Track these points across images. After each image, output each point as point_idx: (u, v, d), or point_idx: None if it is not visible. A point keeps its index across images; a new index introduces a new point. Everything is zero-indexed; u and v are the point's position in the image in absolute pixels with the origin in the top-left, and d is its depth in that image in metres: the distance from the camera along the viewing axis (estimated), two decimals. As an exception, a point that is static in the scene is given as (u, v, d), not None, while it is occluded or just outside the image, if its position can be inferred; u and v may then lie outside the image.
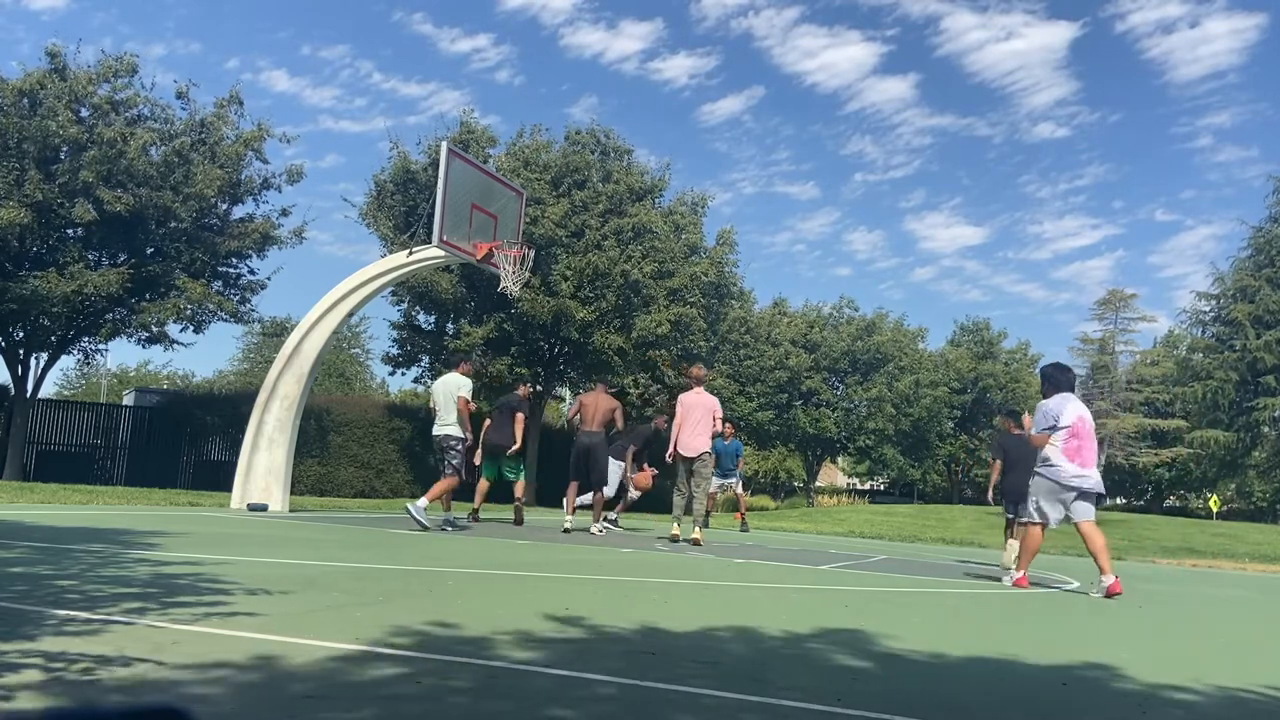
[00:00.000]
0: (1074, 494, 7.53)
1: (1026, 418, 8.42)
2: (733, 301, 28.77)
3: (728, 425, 14.95)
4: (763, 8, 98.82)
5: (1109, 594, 7.32)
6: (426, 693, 2.65)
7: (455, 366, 11.07)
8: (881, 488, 60.71)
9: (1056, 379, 7.94)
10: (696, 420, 10.63)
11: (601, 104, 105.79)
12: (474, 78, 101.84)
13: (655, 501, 22.77)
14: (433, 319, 24.37)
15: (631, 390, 26.85)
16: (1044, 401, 7.82)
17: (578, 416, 11.64)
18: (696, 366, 11.47)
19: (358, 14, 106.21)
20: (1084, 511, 7.53)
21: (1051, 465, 7.56)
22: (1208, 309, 35.98)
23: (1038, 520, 7.66)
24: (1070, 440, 7.53)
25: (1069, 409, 7.61)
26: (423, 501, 10.31)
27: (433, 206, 12.63)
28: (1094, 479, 7.53)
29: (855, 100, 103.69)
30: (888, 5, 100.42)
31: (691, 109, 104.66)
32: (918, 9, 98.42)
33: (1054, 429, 7.56)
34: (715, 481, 14.92)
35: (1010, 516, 9.80)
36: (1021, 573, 7.90)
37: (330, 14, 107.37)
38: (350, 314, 13.96)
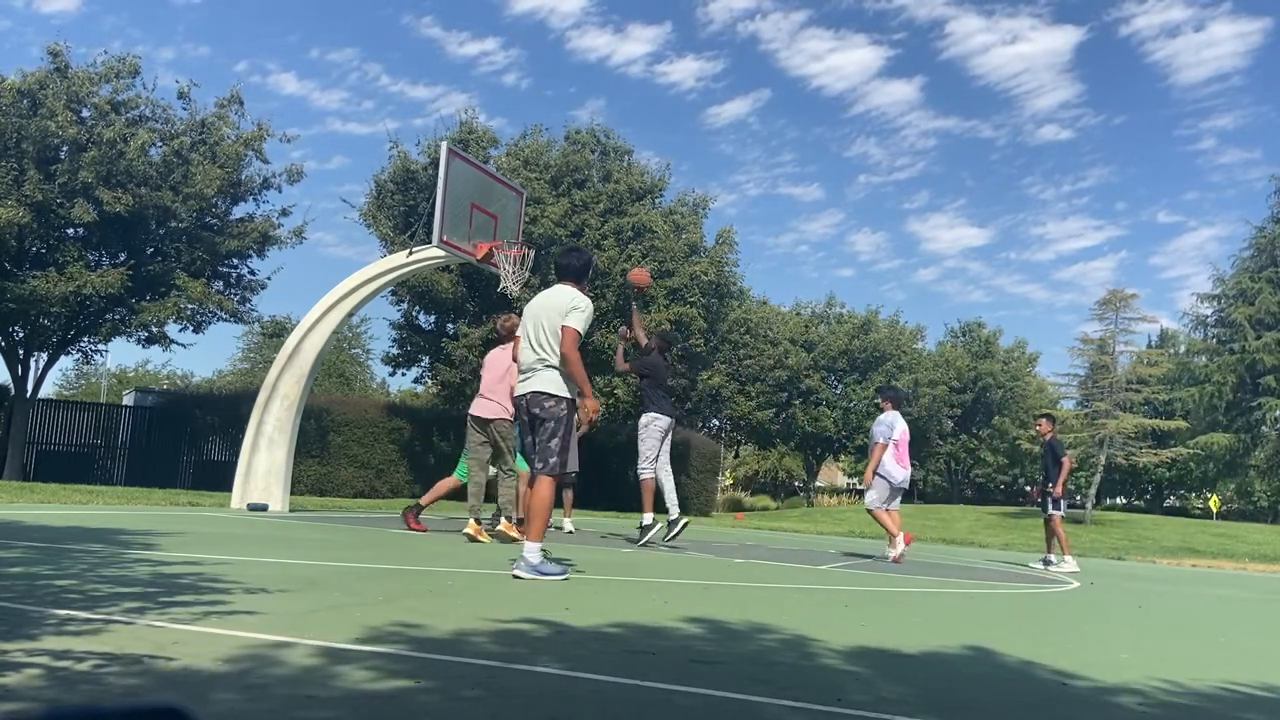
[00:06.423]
0: (899, 491, 10.61)
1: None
2: (733, 301, 28.74)
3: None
4: (770, 11, 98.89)
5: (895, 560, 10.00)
6: (426, 692, 2.65)
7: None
8: (881, 488, 60.62)
9: (894, 397, 11.18)
10: (496, 380, 9.09)
11: (608, 106, 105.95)
12: (482, 80, 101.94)
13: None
14: (433, 319, 24.37)
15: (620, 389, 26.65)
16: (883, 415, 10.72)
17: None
18: (507, 318, 9.56)
19: (366, 17, 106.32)
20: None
21: (886, 468, 10.46)
22: (1208, 310, 35.98)
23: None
24: (897, 448, 10.42)
25: (900, 424, 10.50)
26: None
27: (432, 206, 12.61)
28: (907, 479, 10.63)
29: (860, 103, 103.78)
30: (894, 9, 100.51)
31: (697, 111, 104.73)
32: (924, 12, 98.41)
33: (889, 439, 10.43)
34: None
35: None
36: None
37: (339, 17, 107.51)
38: (350, 314, 13.95)
